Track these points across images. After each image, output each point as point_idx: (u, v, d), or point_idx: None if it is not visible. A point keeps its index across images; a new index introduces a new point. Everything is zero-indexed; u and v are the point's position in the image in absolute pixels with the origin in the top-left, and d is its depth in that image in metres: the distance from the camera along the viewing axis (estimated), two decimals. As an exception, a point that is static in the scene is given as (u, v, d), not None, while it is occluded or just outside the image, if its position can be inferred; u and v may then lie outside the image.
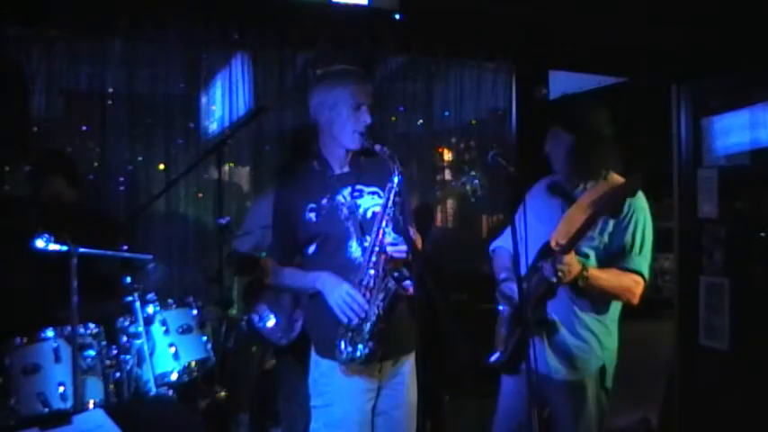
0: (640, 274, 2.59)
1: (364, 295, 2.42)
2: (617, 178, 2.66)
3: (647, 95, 4.59)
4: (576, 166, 2.65)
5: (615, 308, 2.68)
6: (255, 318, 3.39)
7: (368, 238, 2.47)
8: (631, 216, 2.57)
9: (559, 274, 2.45)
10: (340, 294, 2.42)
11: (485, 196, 4.80)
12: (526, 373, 2.27)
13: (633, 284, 2.58)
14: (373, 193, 2.57)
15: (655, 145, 4.23)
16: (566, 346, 2.62)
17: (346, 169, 2.60)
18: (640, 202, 2.61)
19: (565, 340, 2.62)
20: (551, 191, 2.76)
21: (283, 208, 2.61)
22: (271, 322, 3.36)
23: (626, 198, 2.50)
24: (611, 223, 2.57)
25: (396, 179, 2.43)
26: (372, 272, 2.43)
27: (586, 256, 2.58)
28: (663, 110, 4.18)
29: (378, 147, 2.44)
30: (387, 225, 2.44)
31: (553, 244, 2.52)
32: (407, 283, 2.38)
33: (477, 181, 4.14)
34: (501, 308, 2.76)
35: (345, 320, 2.42)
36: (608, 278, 2.56)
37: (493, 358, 2.74)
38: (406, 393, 2.61)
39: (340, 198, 2.54)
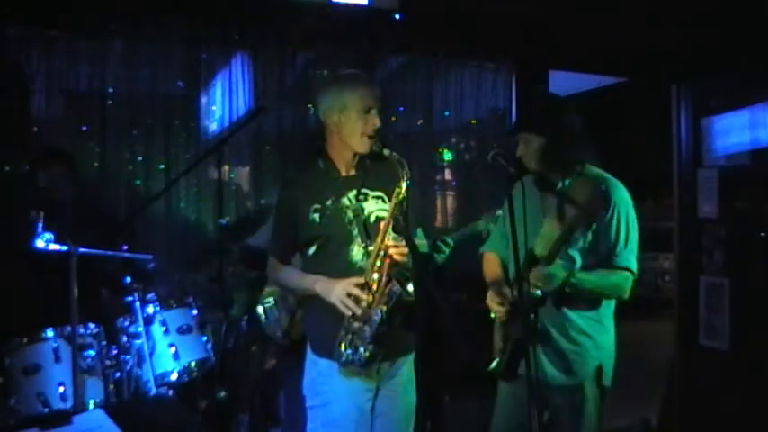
0: (629, 269, 2.58)
1: (367, 298, 2.41)
2: (594, 171, 2.66)
3: (647, 95, 4.60)
4: (548, 165, 2.65)
5: (608, 302, 2.67)
6: (260, 313, 3.37)
7: (371, 242, 2.47)
8: (614, 211, 2.56)
9: (539, 284, 2.46)
10: (343, 289, 2.42)
11: (484, 195, 4.81)
12: (526, 378, 2.26)
13: (622, 281, 2.57)
14: (378, 197, 2.57)
15: (655, 145, 4.23)
16: (560, 352, 2.61)
17: (352, 172, 2.61)
18: (621, 195, 2.60)
19: (559, 346, 2.61)
20: (532, 190, 2.73)
21: (287, 206, 2.62)
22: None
23: (596, 215, 2.52)
24: (593, 224, 2.57)
25: (404, 185, 2.43)
26: (376, 276, 2.42)
27: (573, 261, 2.58)
28: (663, 110, 4.18)
29: (387, 151, 2.46)
30: (392, 231, 2.43)
31: (537, 251, 2.52)
32: (410, 287, 2.38)
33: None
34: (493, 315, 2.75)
35: (348, 313, 2.42)
36: (596, 280, 2.55)
37: (492, 366, 2.74)
38: (403, 394, 2.60)
39: (345, 201, 2.55)
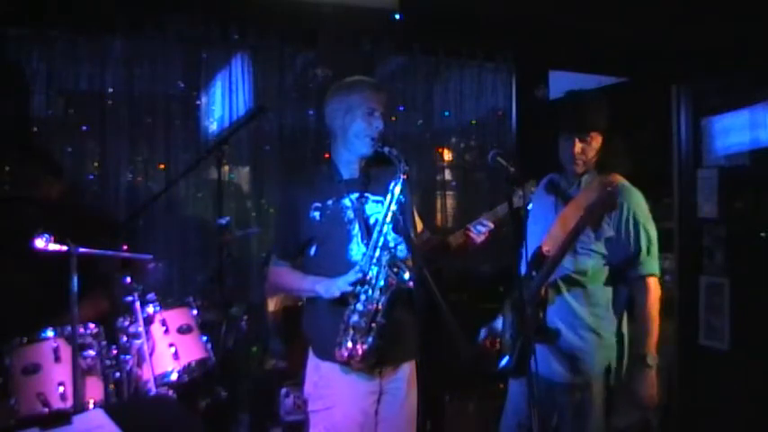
0: (654, 274, 2.60)
1: (366, 291, 2.43)
2: (617, 178, 2.67)
3: (647, 95, 4.59)
4: (602, 163, 2.66)
5: (605, 293, 2.67)
6: None
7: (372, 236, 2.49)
8: (630, 220, 2.57)
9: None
10: (344, 282, 2.43)
11: (485, 194, 4.81)
12: (527, 377, 2.27)
13: (650, 294, 2.59)
14: (378, 202, 2.59)
15: (655, 145, 4.23)
16: (568, 350, 2.61)
17: (356, 175, 2.64)
18: (635, 199, 2.61)
19: (567, 344, 2.62)
20: (547, 189, 2.76)
21: (289, 204, 2.66)
22: None
23: (605, 213, 2.53)
24: (608, 228, 2.57)
25: (401, 178, 2.46)
26: (375, 268, 2.44)
27: (588, 257, 2.59)
28: (663, 110, 4.17)
29: (386, 149, 2.50)
30: (389, 222, 2.46)
31: (544, 249, 2.52)
32: (408, 277, 2.39)
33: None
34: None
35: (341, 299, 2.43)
36: (650, 327, 2.57)
37: (502, 364, 2.74)
38: (405, 399, 2.60)
39: (346, 201, 2.57)
